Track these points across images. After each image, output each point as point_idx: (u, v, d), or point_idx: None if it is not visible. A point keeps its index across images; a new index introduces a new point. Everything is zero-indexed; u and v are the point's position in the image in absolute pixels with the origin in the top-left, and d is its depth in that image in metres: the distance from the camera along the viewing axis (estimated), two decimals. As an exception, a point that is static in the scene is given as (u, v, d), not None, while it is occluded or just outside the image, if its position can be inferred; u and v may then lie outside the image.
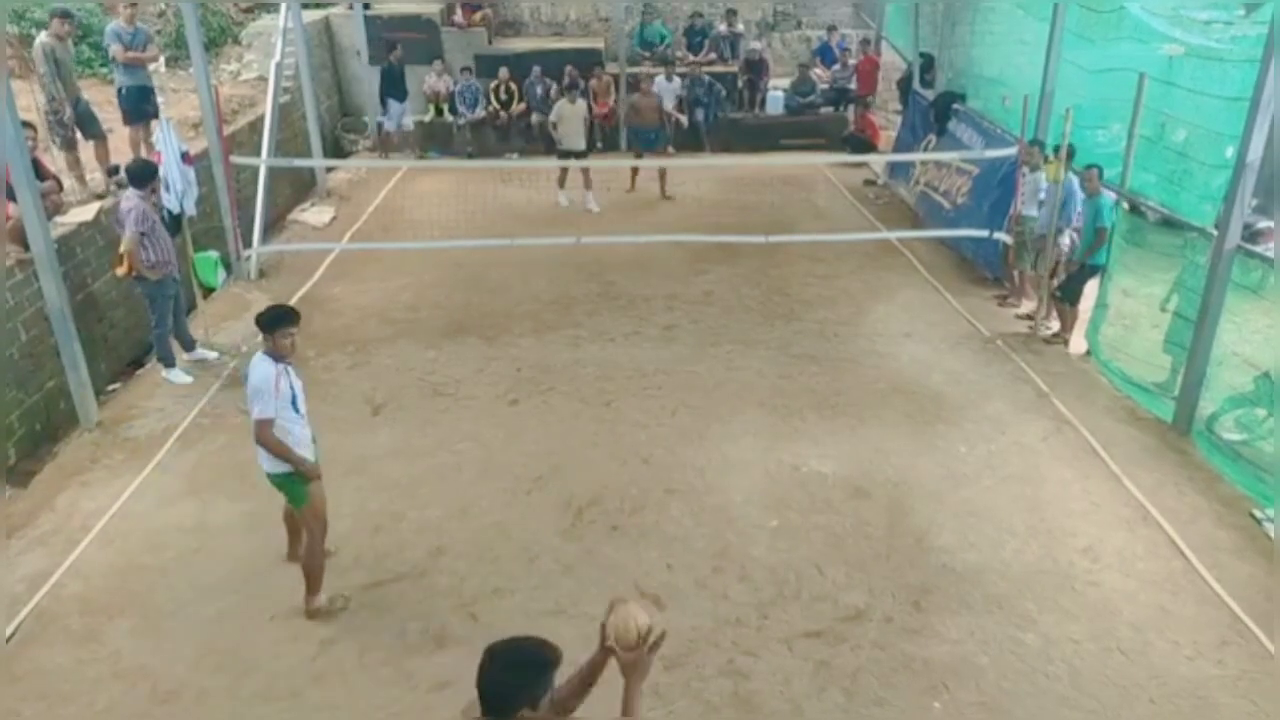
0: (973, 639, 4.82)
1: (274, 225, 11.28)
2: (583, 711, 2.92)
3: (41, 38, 8.41)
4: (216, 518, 5.74)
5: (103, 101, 9.76)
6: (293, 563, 5.17)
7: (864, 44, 14.80)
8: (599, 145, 14.55)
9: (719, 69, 15.16)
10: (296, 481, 4.76)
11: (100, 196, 8.37)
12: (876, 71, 14.65)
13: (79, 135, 8.66)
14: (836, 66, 15.11)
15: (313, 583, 4.96)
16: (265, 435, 4.60)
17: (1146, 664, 4.66)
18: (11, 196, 6.34)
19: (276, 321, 4.70)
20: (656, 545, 5.53)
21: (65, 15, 8.41)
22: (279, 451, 4.65)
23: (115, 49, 8.82)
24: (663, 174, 12.06)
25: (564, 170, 11.89)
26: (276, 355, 4.67)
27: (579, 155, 11.84)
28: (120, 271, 7.18)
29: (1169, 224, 7.12)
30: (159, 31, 13.20)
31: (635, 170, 12.39)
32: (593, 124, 14.34)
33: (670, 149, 12.03)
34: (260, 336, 4.73)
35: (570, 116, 11.70)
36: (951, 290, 9.35)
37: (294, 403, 4.68)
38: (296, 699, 4.46)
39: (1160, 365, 7.10)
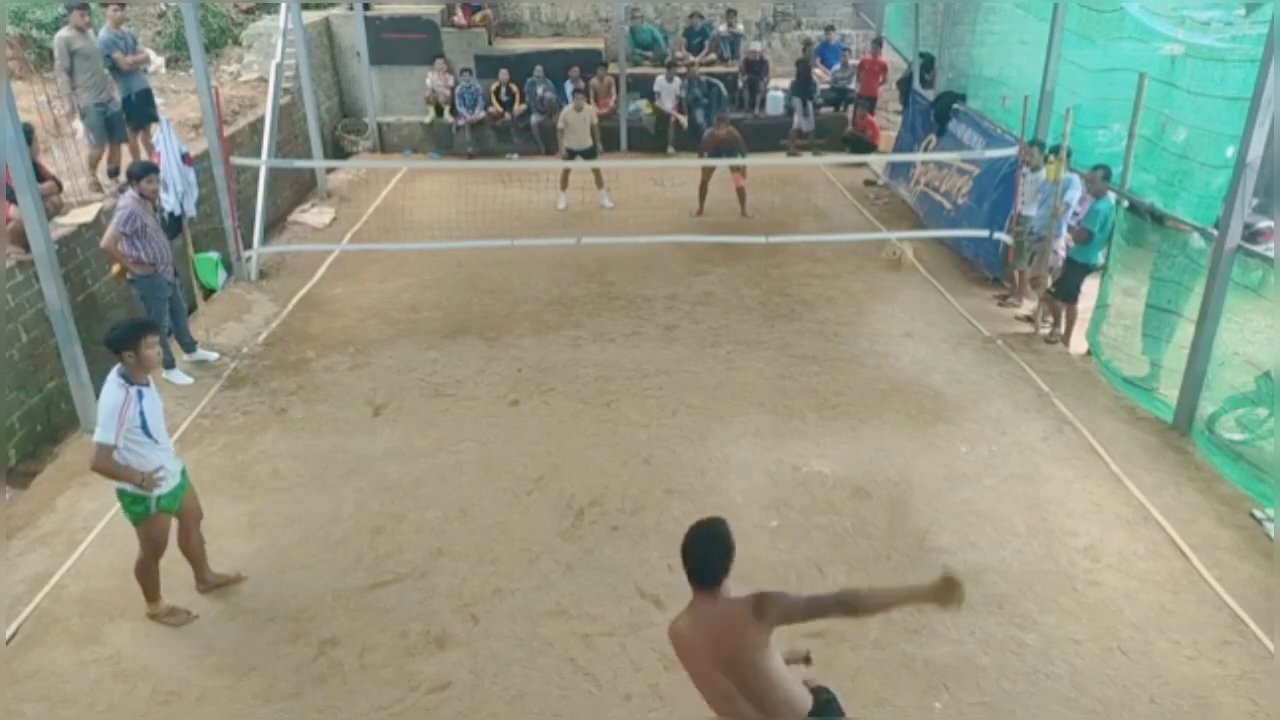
0: (973, 639, 4.82)
1: (274, 226, 11.29)
2: None
3: (61, 32, 8.40)
4: (217, 519, 5.72)
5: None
6: (202, 590, 5.12)
7: (875, 44, 14.76)
8: (599, 145, 14.59)
9: (719, 69, 15.17)
10: (135, 500, 4.57)
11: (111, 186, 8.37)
12: (884, 73, 14.62)
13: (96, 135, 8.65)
14: (837, 66, 15.10)
15: (146, 594, 4.87)
16: (99, 463, 4.40)
17: (1147, 664, 4.66)
18: (12, 198, 6.34)
19: (124, 339, 4.45)
20: (657, 546, 5.53)
21: (82, 7, 8.40)
22: (115, 476, 4.49)
23: (117, 57, 8.81)
24: (741, 193, 11.53)
25: (566, 172, 11.88)
26: (129, 376, 4.47)
27: (587, 155, 11.84)
28: (114, 270, 7.19)
29: (1159, 220, 7.14)
30: (159, 33, 13.23)
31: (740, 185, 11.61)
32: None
33: (743, 170, 11.46)
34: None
35: (577, 122, 11.71)
36: (952, 290, 9.35)
37: (145, 427, 4.47)
38: (297, 699, 4.46)
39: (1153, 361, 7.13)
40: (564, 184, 11.98)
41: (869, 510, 5.86)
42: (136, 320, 4.64)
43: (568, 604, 5.07)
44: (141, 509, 4.61)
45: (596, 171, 11.94)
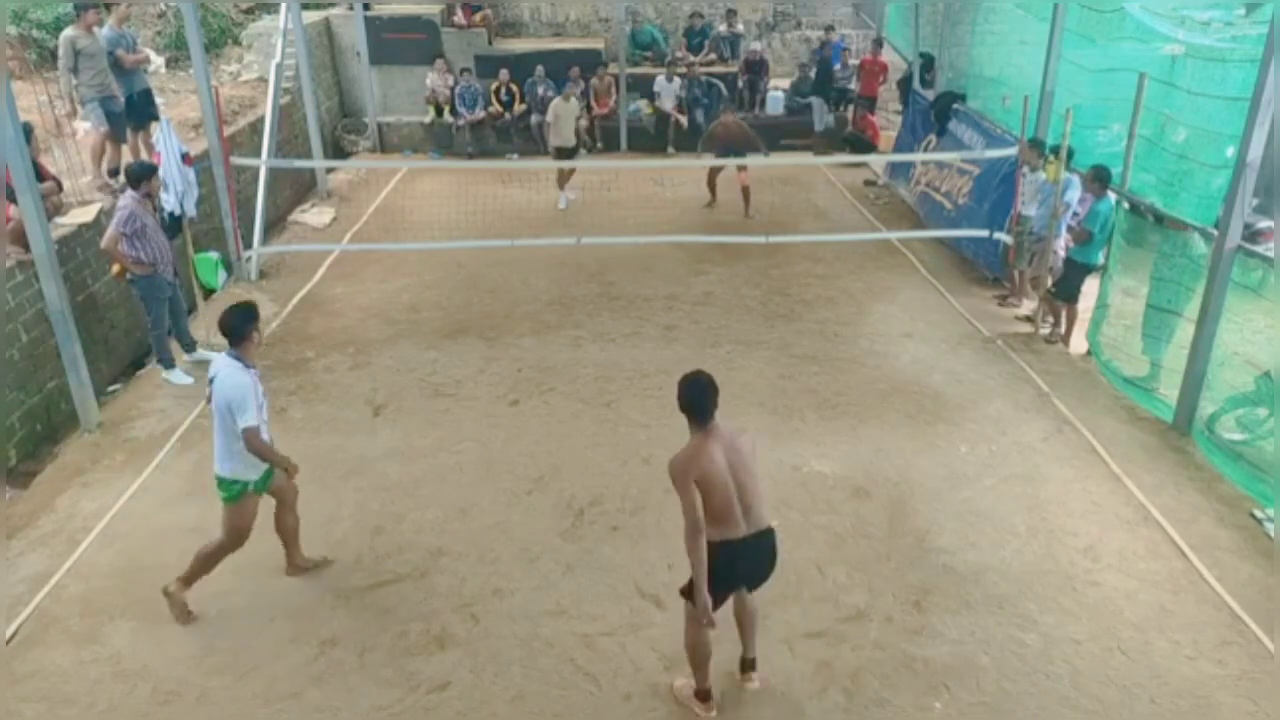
0: (973, 639, 4.82)
1: (274, 226, 11.29)
2: None
3: (67, 31, 8.35)
4: (217, 518, 5.71)
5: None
6: (293, 574, 5.23)
7: (875, 44, 14.77)
8: (599, 145, 14.60)
9: (719, 69, 15.17)
10: (231, 481, 4.69)
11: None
12: (884, 73, 14.63)
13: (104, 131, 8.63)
14: (837, 66, 15.10)
15: (192, 574, 4.88)
16: (258, 444, 4.56)
17: (1147, 664, 4.66)
18: (12, 198, 6.34)
19: (245, 322, 4.61)
20: (657, 545, 5.53)
21: (94, 6, 8.36)
22: (269, 456, 4.66)
23: (121, 54, 8.77)
24: (746, 192, 11.49)
25: (561, 171, 11.91)
26: (244, 360, 4.60)
27: (570, 152, 11.86)
28: (114, 270, 7.19)
29: (1159, 220, 7.15)
30: (159, 33, 13.23)
31: (714, 182, 11.75)
32: (592, 123, 14.44)
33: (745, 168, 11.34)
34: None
35: (565, 114, 11.75)
36: (952, 290, 9.35)
37: (262, 410, 4.65)
38: (297, 699, 4.46)
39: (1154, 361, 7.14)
40: (560, 183, 11.99)
41: (869, 510, 5.86)
42: (244, 306, 4.75)
43: (568, 604, 5.07)
44: (239, 489, 4.70)
45: (572, 170, 12.00)
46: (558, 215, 11.70)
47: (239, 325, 4.63)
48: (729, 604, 4.23)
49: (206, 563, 4.88)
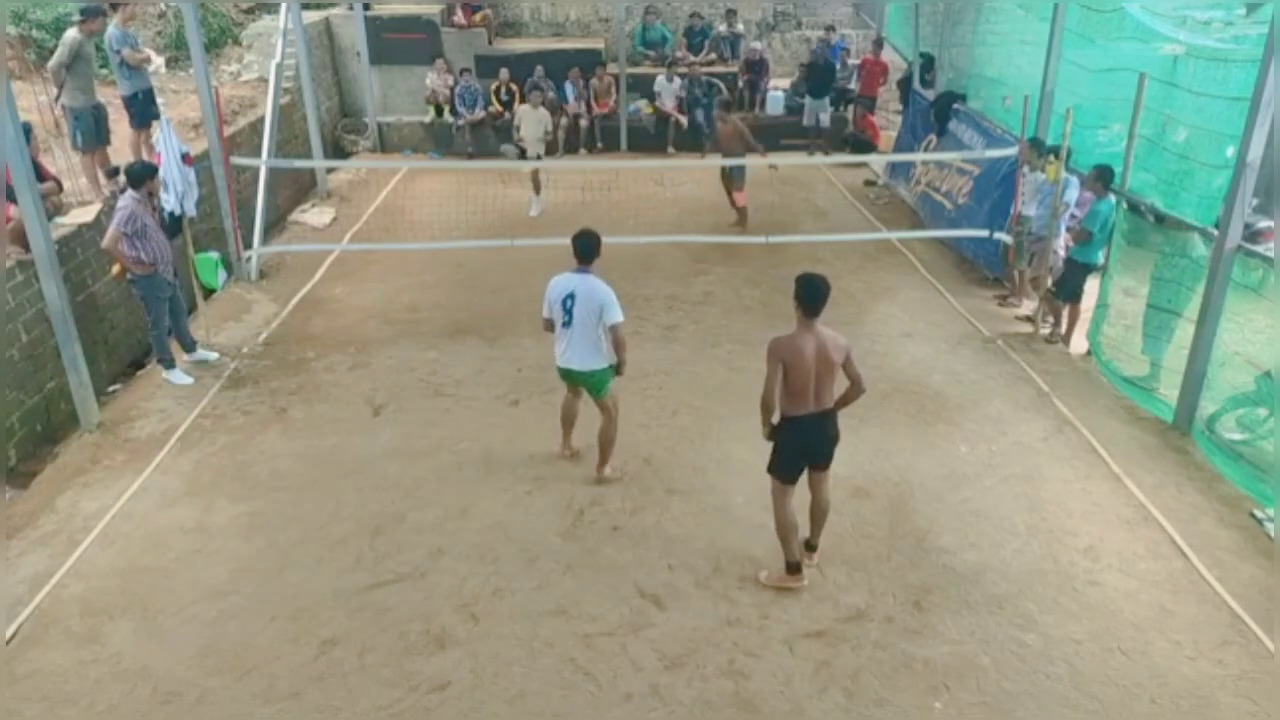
0: (974, 639, 4.82)
1: (274, 226, 11.29)
2: None
3: (71, 32, 8.29)
4: (217, 519, 5.75)
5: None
6: (564, 458, 6.28)
7: (876, 44, 14.75)
8: (599, 145, 14.59)
9: (719, 69, 15.17)
10: (610, 374, 5.72)
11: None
12: (884, 73, 14.62)
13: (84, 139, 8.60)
14: (837, 66, 15.09)
15: (607, 455, 6.02)
16: (623, 336, 5.57)
17: (1147, 664, 4.66)
18: (12, 198, 6.34)
19: (595, 244, 5.70)
20: (657, 545, 5.53)
21: (100, 13, 8.33)
22: (625, 351, 5.62)
23: (126, 52, 8.75)
24: (743, 213, 11.26)
25: (535, 173, 11.88)
26: (597, 274, 5.59)
27: (535, 159, 11.85)
28: (114, 271, 7.19)
29: (1159, 220, 7.15)
30: (159, 33, 13.23)
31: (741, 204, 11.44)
32: (592, 123, 14.44)
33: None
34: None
35: (530, 121, 11.66)
36: (952, 290, 9.35)
37: None
38: (297, 699, 4.46)
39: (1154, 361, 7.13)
40: (536, 187, 11.86)
41: (869, 510, 5.86)
42: (591, 233, 5.77)
43: (568, 604, 5.07)
44: (610, 374, 5.76)
45: (535, 175, 11.85)
46: (558, 215, 11.68)
47: (592, 247, 5.69)
48: (807, 501, 5.19)
49: (613, 438, 5.97)
